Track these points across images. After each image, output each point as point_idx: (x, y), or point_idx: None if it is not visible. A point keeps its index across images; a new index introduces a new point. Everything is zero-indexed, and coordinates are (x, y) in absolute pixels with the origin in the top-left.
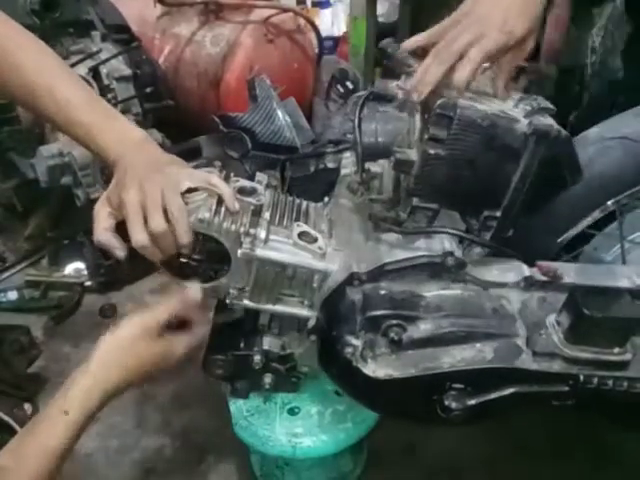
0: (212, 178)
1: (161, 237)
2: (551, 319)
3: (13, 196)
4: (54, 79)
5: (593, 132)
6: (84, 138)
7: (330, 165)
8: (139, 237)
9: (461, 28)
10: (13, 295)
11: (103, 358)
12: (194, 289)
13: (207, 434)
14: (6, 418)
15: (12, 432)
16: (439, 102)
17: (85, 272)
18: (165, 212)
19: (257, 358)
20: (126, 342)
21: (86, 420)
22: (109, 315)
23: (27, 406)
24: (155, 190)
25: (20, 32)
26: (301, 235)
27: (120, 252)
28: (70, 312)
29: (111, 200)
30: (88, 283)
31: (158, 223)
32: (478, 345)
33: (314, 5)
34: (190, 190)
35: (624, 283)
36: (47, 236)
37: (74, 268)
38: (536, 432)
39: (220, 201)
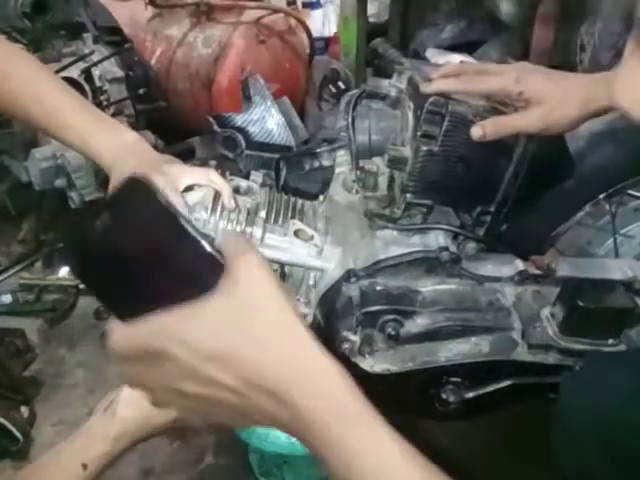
0: (210, 173)
1: None
2: (545, 312)
3: (6, 199)
4: (42, 87)
5: (584, 126)
6: (77, 143)
7: (325, 163)
8: None
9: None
10: (7, 299)
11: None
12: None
13: (206, 433)
14: (2, 421)
15: (9, 435)
16: (431, 99)
17: None
18: None
19: None
20: None
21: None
22: (104, 317)
23: (24, 409)
24: None
25: (3, 44)
26: (297, 233)
27: None
28: (65, 315)
29: None
30: (82, 285)
31: None
32: (474, 339)
33: (304, 6)
34: (187, 188)
35: (617, 275)
36: (41, 239)
37: (68, 271)
38: (534, 435)
39: (217, 199)
